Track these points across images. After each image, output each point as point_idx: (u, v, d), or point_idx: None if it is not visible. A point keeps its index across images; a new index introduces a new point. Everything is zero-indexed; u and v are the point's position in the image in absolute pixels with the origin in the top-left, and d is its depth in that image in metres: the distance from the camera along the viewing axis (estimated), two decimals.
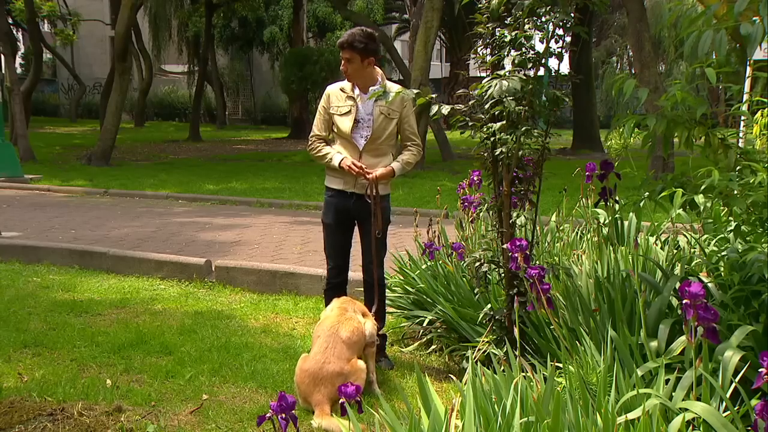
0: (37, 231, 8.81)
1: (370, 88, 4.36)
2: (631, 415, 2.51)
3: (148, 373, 4.26)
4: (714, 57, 2.77)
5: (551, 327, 3.55)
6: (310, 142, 4.58)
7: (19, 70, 26.35)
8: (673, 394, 2.67)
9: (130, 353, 4.60)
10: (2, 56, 16.31)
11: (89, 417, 3.59)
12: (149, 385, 4.08)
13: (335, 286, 4.55)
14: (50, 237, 8.37)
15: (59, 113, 35.39)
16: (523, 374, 2.89)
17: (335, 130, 4.48)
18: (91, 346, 4.69)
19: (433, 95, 3.81)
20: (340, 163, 4.38)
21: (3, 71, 15.87)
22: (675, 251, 4.28)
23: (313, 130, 4.57)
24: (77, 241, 8.12)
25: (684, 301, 2.52)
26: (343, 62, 4.36)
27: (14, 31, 27.41)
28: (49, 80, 36.58)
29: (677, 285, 3.24)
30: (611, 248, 4.20)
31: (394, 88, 3.95)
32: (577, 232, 5.33)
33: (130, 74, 18.08)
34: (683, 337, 2.88)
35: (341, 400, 2.58)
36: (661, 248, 4.49)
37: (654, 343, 3.07)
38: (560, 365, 3.13)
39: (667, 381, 2.73)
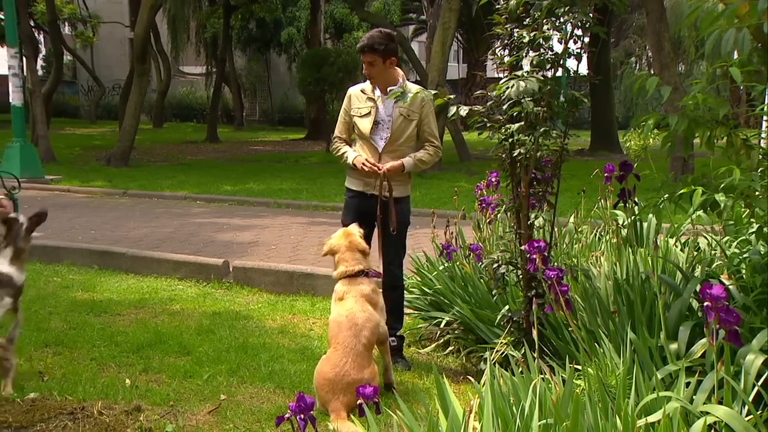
0: (58, 231, 8.89)
1: (389, 89, 4.36)
2: (651, 418, 2.49)
3: (166, 373, 4.29)
4: (736, 56, 2.74)
5: (569, 329, 3.53)
6: (332, 143, 4.66)
7: (40, 72, 26.62)
8: (694, 397, 2.64)
9: (148, 353, 4.63)
10: (24, 58, 16.48)
11: (109, 416, 3.62)
12: (168, 385, 4.11)
13: None
14: (70, 237, 8.45)
15: (79, 114, 35.74)
16: (542, 376, 2.87)
17: (355, 131, 4.50)
18: (110, 346, 4.73)
19: (451, 96, 3.80)
20: (353, 160, 4.42)
21: (25, 73, 16.04)
22: (695, 253, 4.24)
23: (335, 132, 4.63)
24: (97, 241, 8.19)
25: (705, 304, 2.49)
26: (365, 66, 4.38)
27: (36, 34, 27.69)
28: (70, 82, 36.92)
29: (698, 287, 3.20)
30: (630, 250, 4.17)
31: (413, 88, 3.95)
32: (595, 234, 5.30)
33: (148, 76, 18.21)
34: (704, 340, 2.85)
35: (359, 401, 2.58)
36: (681, 250, 4.45)
37: (674, 346, 3.04)
38: (579, 367, 3.11)
39: (687, 384, 2.70)
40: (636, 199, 4.17)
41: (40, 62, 32.95)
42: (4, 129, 18.07)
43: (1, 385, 3.90)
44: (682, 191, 3.15)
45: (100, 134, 26.29)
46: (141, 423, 3.56)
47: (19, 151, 13.45)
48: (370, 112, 4.43)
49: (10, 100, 13.86)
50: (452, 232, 5.28)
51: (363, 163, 4.38)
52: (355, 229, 4.20)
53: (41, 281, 6.53)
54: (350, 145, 4.58)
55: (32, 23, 24.87)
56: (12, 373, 3.94)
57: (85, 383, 4.08)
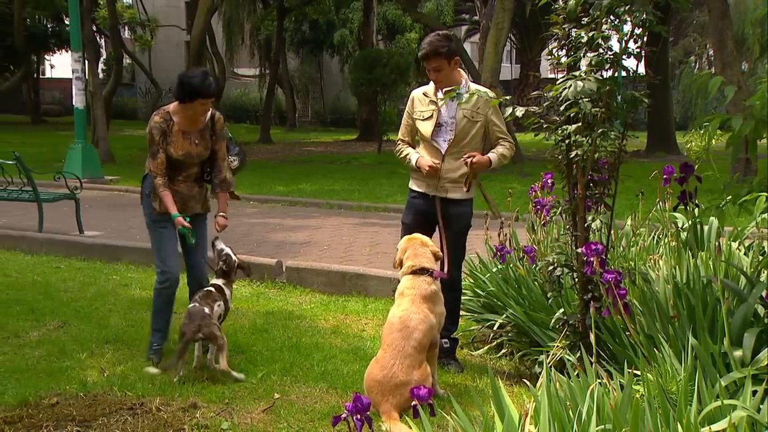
0: (117, 231, 9.11)
1: (445, 90, 4.35)
2: (715, 427, 2.42)
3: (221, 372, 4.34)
4: None
5: (627, 333, 3.45)
6: (395, 146, 4.69)
7: (100, 75, 27.36)
8: (761, 406, 2.55)
9: None
10: (86, 62, 16.96)
11: (166, 412, 3.69)
12: (223, 383, 4.17)
13: None
14: (129, 236, 8.64)
15: (137, 116, 36.49)
16: (599, 381, 2.82)
17: (419, 135, 4.51)
18: (167, 344, 4.81)
19: (507, 97, 3.77)
20: (416, 162, 4.43)
21: (87, 77, 16.48)
22: (760, 257, 4.10)
23: (399, 134, 4.66)
24: None
25: None
26: (431, 72, 4.35)
27: (97, 38, 28.48)
28: (128, 84, 37.79)
29: (764, 292, 3.10)
30: (690, 253, 4.06)
31: (473, 88, 3.92)
32: (653, 237, 5.18)
33: None
34: None
35: (414, 402, 2.57)
36: (745, 254, 4.31)
37: (738, 353, 2.95)
38: (638, 373, 3.05)
39: (754, 393, 2.62)
40: (697, 202, 4.06)
41: (100, 65, 33.87)
42: (68, 131, 18.60)
43: (217, 359, 4.23)
44: (748, 196, 3.05)
45: None
46: (197, 420, 3.62)
47: (80, 152, 13.80)
48: (432, 115, 4.42)
49: (73, 103, 14.27)
50: (506, 234, 5.23)
51: (422, 165, 4.37)
52: (422, 236, 4.24)
53: (101, 279, 6.70)
54: (413, 147, 4.60)
55: (94, 28, 25.57)
56: (225, 351, 4.21)
57: (143, 380, 4.18)
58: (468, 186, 4.39)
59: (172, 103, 4.56)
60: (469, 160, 4.31)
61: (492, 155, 4.40)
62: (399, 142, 4.66)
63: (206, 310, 4.32)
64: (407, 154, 4.55)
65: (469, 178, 4.37)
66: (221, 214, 4.73)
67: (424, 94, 4.51)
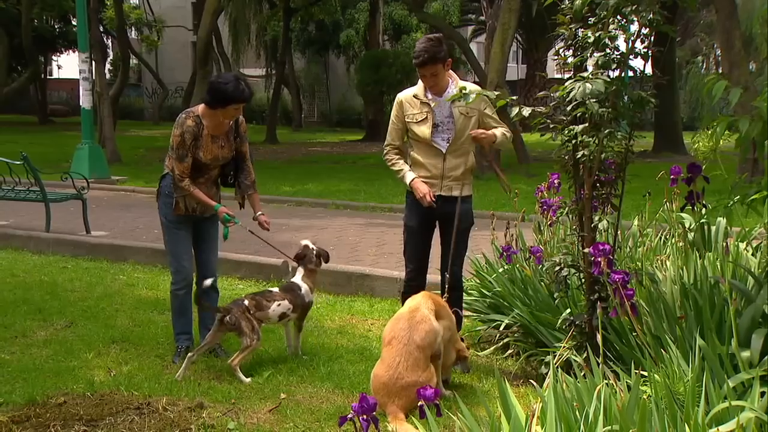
0: (123, 231, 9.14)
1: (446, 91, 4.35)
2: (723, 428, 2.41)
3: (228, 371, 4.35)
4: None
5: (634, 334, 3.44)
6: (384, 152, 4.64)
7: (107, 76, 27.44)
8: None
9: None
10: (93, 63, 17.01)
11: (173, 412, 3.70)
12: (229, 383, 4.17)
13: (413, 288, 4.52)
14: (135, 236, 8.67)
15: (143, 116, 36.67)
16: (606, 381, 2.81)
17: (413, 137, 4.48)
18: (173, 344, 4.82)
19: (513, 97, 3.76)
20: (410, 183, 4.43)
21: (94, 77, 16.52)
22: None
23: (387, 138, 4.61)
24: (160, 240, 8.35)
25: None
26: (428, 78, 4.32)
27: (104, 39, 28.58)
28: (135, 85, 37.93)
29: None
30: (697, 254, 4.05)
31: (470, 87, 3.92)
32: (660, 237, 5.17)
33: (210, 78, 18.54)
34: None
35: (420, 403, 2.57)
36: (753, 255, 4.30)
37: (746, 354, 2.93)
38: (645, 373, 3.04)
39: (762, 394, 2.60)
40: (704, 202, 4.05)
41: (107, 66, 33.98)
42: (75, 131, 18.68)
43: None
44: (755, 196, 3.04)
45: (163, 135, 26.87)
46: (204, 420, 3.63)
47: (87, 152, 13.84)
48: (426, 117, 4.39)
49: (80, 103, 14.31)
50: (512, 235, 5.22)
51: (420, 190, 4.38)
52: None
53: (108, 279, 6.72)
54: (402, 152, 4.57)
55: (101, 28, 25.65)
56: (246, 353, 4.27)
57: (150, 379, 4.19)
58: (490, 162, 4.41)
59: (199, 105, 4.57)
60: (474, 134, 4.33)
61: (497, 131, 4.40)
62: (388, 148, 4.59)
63: (246, 302, 4.40)
64: (400, 169, 4.52)
65: (483, 150, 4.39)
66: (260, 213, 4.92)
67: (414, 96, 4.45)
